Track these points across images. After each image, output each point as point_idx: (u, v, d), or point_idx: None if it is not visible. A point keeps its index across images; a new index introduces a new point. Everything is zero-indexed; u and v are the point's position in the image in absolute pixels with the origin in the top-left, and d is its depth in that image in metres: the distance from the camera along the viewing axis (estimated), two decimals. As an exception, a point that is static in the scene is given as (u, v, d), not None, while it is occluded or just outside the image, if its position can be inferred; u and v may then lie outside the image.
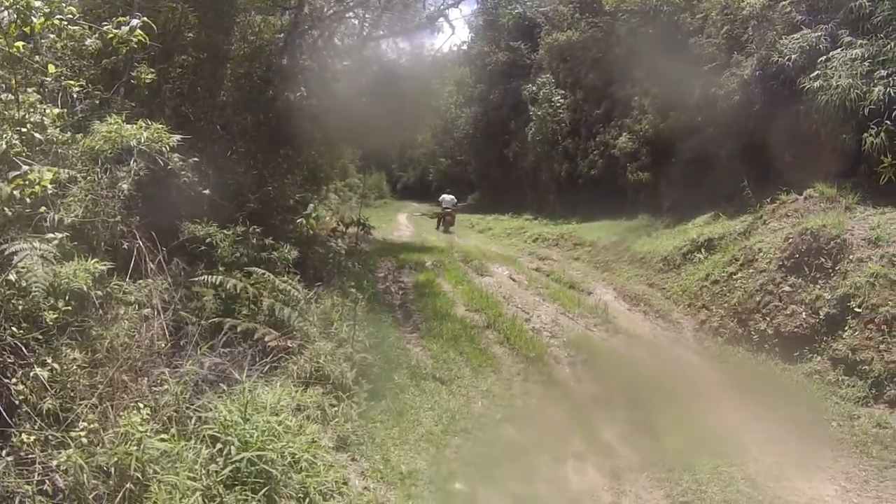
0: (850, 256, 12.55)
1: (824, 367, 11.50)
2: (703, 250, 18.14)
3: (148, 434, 5.83)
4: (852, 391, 10.63)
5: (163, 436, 6.03)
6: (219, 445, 6.26)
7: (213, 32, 13.56)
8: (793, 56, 17.22)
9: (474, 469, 8.33)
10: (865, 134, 14.43)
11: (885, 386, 10.36)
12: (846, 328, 11.69)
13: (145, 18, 8.94)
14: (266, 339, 9.27)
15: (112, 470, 5.61)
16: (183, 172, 9.37)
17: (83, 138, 8.41)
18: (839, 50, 15.93)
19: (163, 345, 7.62)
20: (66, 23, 8.25)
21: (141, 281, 8.26)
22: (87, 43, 9.27)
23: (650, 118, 27.05)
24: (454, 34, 47.81)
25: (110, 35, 8.66)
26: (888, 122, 13.96)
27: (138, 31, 8.64)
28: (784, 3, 18.29)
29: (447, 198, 36.15)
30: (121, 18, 8.80)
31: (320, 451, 7.16)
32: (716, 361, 13.53)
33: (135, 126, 8.43)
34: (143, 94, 10.83)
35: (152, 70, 10.58)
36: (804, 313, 12.70)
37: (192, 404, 6.78)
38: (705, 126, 22.27)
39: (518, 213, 38.49)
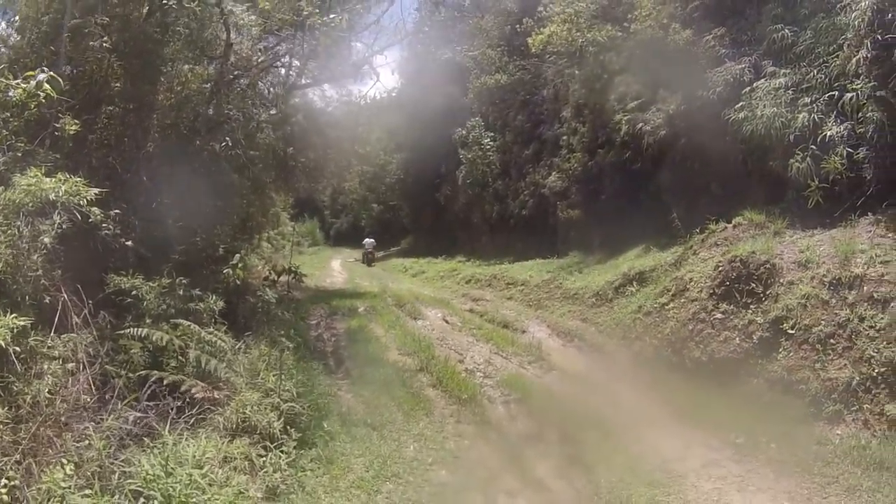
0: (781, 280, 12.74)
1: (761, 390, 11.61)
2: (634, 283, 18.35)
3: (71, 490, 5.77)
4: (790, 411, 10.73)
5: (86, 491, 5.98)
6: (141, 500, 6.19)
7: (139, 83, 13.48)
8: (717, 89, 17.61)
9: (405, 514, 8.28)
10: (792, 160, 14.72)
11: (822, 403, 10.50)
12: (780, 350, 11.82)
13: (52, 73, 8.91)
14: (192, 391, 9.17)
15: (34, 528, 5.54)
16: (104, 225, 9.32)
17: (3, 191, 8.33)
18: (763, 80, 16.29)
19: (88, 399, 7.56)
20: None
21: (65, 335, 8.18)
22: (10, 94, 9.21)
23: (578, 156, 27.46)
24: (378, 81, 48.00)
25: (18, 90, 8.62)
26: (813, 146, 14.28)
27: (46, 86, 8.62)
28: (708, 37, 18.72)
29: (368, 241, 48.72)
30: (29, 73, 8.77)
31: (248, 503, 7.08)
32: (651, 392, 13.62)
33: (53, 179, 8.36)
34: (67, 145, 10.76)
35: (76, 121, 10.51)
36: (738, 338, 12.85)
37: (116, 459, 6.70)
38: (633, 161, 22.65)
39: (451, 255, 38.61)
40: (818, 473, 9.00)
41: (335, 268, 40.21)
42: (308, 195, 46.15)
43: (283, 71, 22.58)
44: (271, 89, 21.81)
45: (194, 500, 6.33)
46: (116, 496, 6.17)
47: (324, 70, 23.77)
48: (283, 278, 18.50)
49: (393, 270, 39.37)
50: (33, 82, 8.64)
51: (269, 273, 18.41)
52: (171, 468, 6.62)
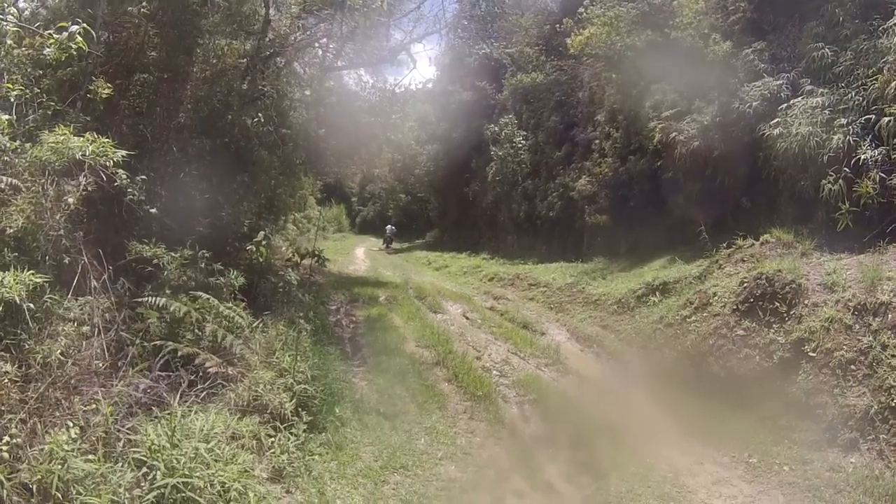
0: (805, 301, 12.52)
1: (777, 411, 11.41)
2: (657, 293, 18.15)
3: (74, 454, 5.67)
4: (805, 435, 10.54)
5: (89, 456, 5.89)
6: (144, 469, 6.10)
7: (175, 53, 13.43)
8: (754, 103, 17.39)
9: (411, 507, 8.17)
10: (824, 181, 14.52)
11: (838, 430, 10.29)
12: (800, 372, 11.60)
13: (85, 26, 8.84)
14: (206, 364, 9.10)
15: (34, 488, 5.45)
16: (130, 190, 9.23)
17: (31, 149, 8.27)
18: (800, 98, 16.08)
19: (100, 364, 7.48)
20: (23, 31, 8.17)
21: (83, 298, 8.12)
22: (45, 52, 9.14)
23: (610, 161, 27.19)
24: (415, 68, 48.15)
25: (50, 41, 8.55)
26: (846, 169, 14.08)
27: (78, 38, 8.53)
28: (747, 51, 18.51)
29: (389, 227, 52.78)
30: (62, 24, 8.70)
31: (252, 482, 6.96)
32: (667, 404, 13.47)
33: (81, 139, 8.28)
34: (98, 108, 10.71)
35: (110, 85, 10.45)
36: (758, 357, 12.65)
37: (123, 426, 6.61)
38: (664, 170, 22.43)
39: (475, 251, 38.47)
40: (829, 500, 8.88)
41: (359, 255, 40.20)
42: (336, 181, 46.28)
43: (319, 51, 22.54)
44: (307, 69, 21.76)
45: (198, 473, 6.22)
46: (119, 463, 6.08)
47: (360, 53, 23.70)
48: (306, 261, 18.49)
49: (416, 263, 39.26)
50: (65, 33, 8.54)
51: (293, 255, 18.41)
52: (178, 440, 6.52)
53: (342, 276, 26.96)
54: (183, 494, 5.99)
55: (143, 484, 5.97)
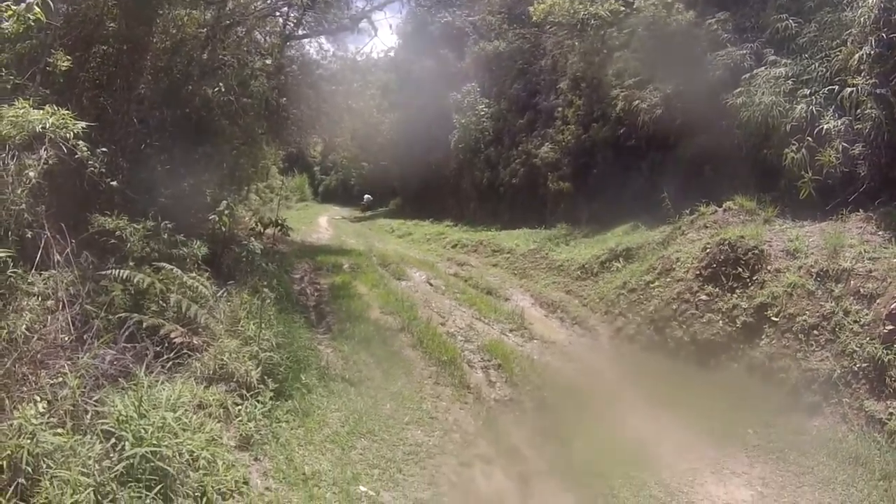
0: (768, 267, 12.80)
1: (741, 375, 11.71)
2: (621, 259, 18.38)
3: (42, 427, 5.71)
4: (769, 399, 10.81)
5: (58, 430, 5.91)
6: (113, 440, 6.15)
7: (134, 23, 13.26)
8: (717, 73, 17.59)
9: (379, 471, 8.26)
10: (787, 150, 14.74)
11: (802, 394, 10.60)
12: (763, 337, 11.94)
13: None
14: (171, 335, 9.14)
15: (4, 464, 5.49)
16: (91, 162, 9.20)
17: (-10, 123, 8.22)
18: (764, 68, 16.28)
19: (66, 338, 7.49)
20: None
21: (46, 273, 8.11)
22: (2, 26, 9.06)
23: (573, 129, 27.29)
24: (377, 37, 47.83)
25: (8, 12, 8.49)
26: (809, 138, 14.30)
27: (36, 9, 8.48)
28: (711, 20, 18.64)
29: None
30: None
31: (220, 450, 7.06)
32: (631, 368, 13.71)
33: (41, 112, 8.24)
34: (58, 81, 10.64)
35: (69, 57, 10.37)
36: (721, 322, 12.95)
37: (90, 399, 6.63)
38: (627, 138, 22.59)
39: (439, 219, 38.46)
40: (794, 462, 9.11)
41: (322, 224, 40.09)
42: (299, 150, 45.85)
43: (280, 20, 22.39)
44: (267, 38, 21.63)
45: (166, 443, 6.28)
46: (88, 435, 6.11)
47: (321, 22, 23.63)
48: (269, 231, 18.45)
49: (379, 231, 39.29)
50: (23, 5, 8.48)
51: (256, 224, 18.31)
52: (145, 410, 6.57)
53: (306, 245, 26.94)
54: (152, 464, 6.05)
55: (112, 455, 6.01)
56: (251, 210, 24.72)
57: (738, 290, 13.11)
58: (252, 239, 15.92)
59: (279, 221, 17.48)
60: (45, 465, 5.58)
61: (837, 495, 8.26)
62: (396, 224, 41.40)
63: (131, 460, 5.98)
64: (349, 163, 60.85)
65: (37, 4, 8.56)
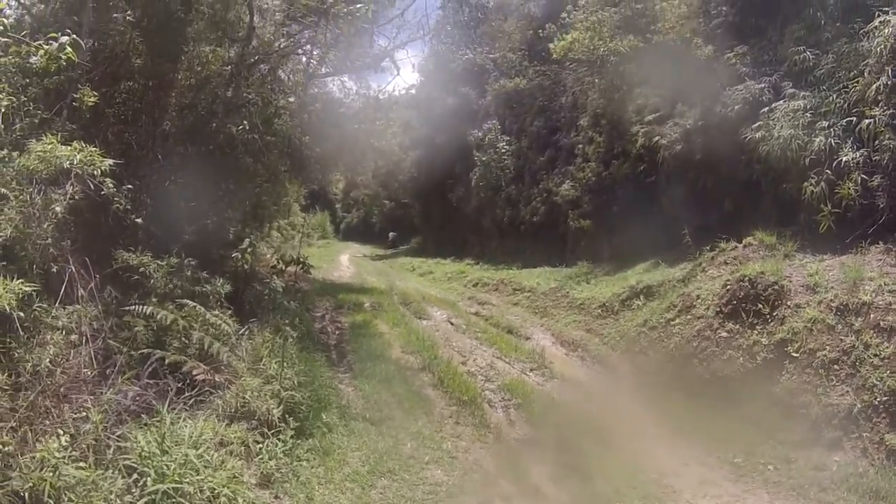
0: (788, 302, 12.67)
1: (761, 411, 11.50)
2: (641, 297, 18.34)
3: (65, 461, 5.72)
4: (789, 434, 10.66)
5: (80, 464, 5.92)
6: (135, 476, 6.15)
7: (160, 60, 13.44)
8: (736, 107, 17.56)
9: (399, 511, 8.23)
10: (806, 183, 14.67)
11: (822, 429, 10.43)
12: (783, 372, 11.75)
13: (75, 36, 8.90)
14: (194, 372, 9.15)
15: (26, 495, 5.49)
16: (116, 199, 9.27)
17: (18, 157, 8.30)
18: (782, 101, 16.24)
19: (89, 373, 7.51)
20: (10, 39, 8.20)
21: (70, 307, 8.16)
22: (31, 61, 9.17)
23: (593, 166, 27.40)
24: (399, 75, 48.16)
25: (40, 51, 8.60)
26: (828, 171, 14.25)
27: (68, 49, 8.57)
28: (729, 55, 18.67)
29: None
30: (52, 34, 8.74)
31: (241, 487, 7.02)
32: (651, 406, 13.58)
33: (69, 148, 8.33)
34: (84, 117, 10.75)
35: (95, 94, 10.47)
36: (741, 358, 12.78)
37: (113, 434, 6.65)
38: (647, 175, 22.63)
39: (459, 257, 38.55)
40: (814, 499, 9.04)
41: (343, 262, 40.24)
42: (321, 187, 46.22)
43: (303, 58, 22.58)
44: (291, 76, 21.81)
45: (188, 479, 6.28)
46: (110, 470, 6.13)
47: (344, 60, 23.75)
48: (291, 268, 18.48)
49: (400, 269, 39.42)
50: (55, 44, 8.58)
51: (277, 262, 18.37)
52: (167, 447, 6.58)
53: (327, 283, 27.02)
54: (174, 500, 6.06)
55: (133, 490, 6.03)
56: (273, 247, 24.78)
57: (758, 327, 12.97)
58: (274, 276, 15.95)
59: (301, 259, 17.55)
60: (66, 499, 5.59)
61: (857, 529, 8.20)
62: (417, 262, 41.50)
63: (153, 496, 5.99)
64: (371, 200, 61.39)
65: (69, 45, 8.67)
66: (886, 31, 13.15)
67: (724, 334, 13.54)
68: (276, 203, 24.20)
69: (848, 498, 8.87)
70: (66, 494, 5.59)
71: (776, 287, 13.08)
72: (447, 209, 43.90)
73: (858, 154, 13.96)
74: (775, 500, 9.13)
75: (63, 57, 8.64)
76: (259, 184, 19.01)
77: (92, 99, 10.35)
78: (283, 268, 17.74)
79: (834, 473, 9.51)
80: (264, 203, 21.10)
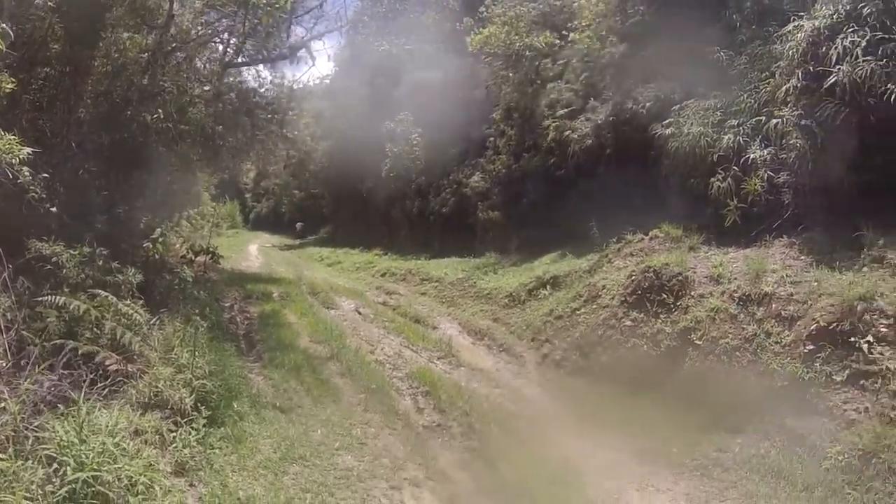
0: (692, 292, 13.28)
1: (665, 397, 11.98)
2: (548, 287, 18.82)
3: (-15, 452, 5.82)
4: (693, 419, 11.08)
5: (0, 455, 6.01)
6: (55, 466, 6.27)
7: (78, 46, 13.34)
8: (647, 104, 18.18)
9: (311, 496, 8.40)
10: (713, 179, 15.33)
11: (725, 413, 10.93)
12: (687, 359, 12.38)
13: (3, 26, 8.86)
14: (107, 362, 9.19)
15: (-54, 488, 5.58)
16: (32, 188, 9.28)
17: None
18: (693, 100, 16.86)
19: (3, 364, 7.54)
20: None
21: (-18, 297, 8.16)
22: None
23: (504, 159, 27.87)
24: (314, 66, 47.96)
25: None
26: (735, 168, 14.90)
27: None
28: (643, 53, 19.20)
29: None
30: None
31: (158, 476, 7.15)
32: (557, 393, 14.02)
33: (-14, 136, 8.33)
34: (2, 104, 10.66)
35: (14, 80, 10.42)
36: (646, 346, 13.39)
37: (31, 424, 6.73)
38: (557, 168, 23.10)
39: (368, 248, 38.51)
40: (717, 478, 9.56)
41: (252, 252, 39.83)
42: (231, 176, 45.66)
43: (220, 47, 22.45)
44: (207, 65, 21.68)
45: (106, 468, 6.40)
46: (30, 460, 6.21)
47: (261, 50, 23.70)
48: (200, 258, 18.49)
49: (309, 259, 39.31)
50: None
51: (187, 252, 18.39)
52: (85, 436, 6.69)
53: (236, 273, 26.80)
54: (94, 489, 6.16)
55: (54, 480, 6.12)
56: (182, 237, 24.59)
57: (662, 316, 13.55)
58: (184, 266, 15.96)
59: (210, 249, 17.61)
60: (-12, 490, 5.68)
61: (760, 506, 8.67)
62: (326, 252, 41.44)
63: (74, 485, 6.09)
64: (281, 190, 60.80)
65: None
66: (799, 35, 13.69)
67: (629, 323, 14.07)
68: (186, 192, 24.06)
69: (750, 477, 9.39)
70: (-14, 486, 5.70)
71: (680, 278, 13.66)
72: (358, 200, 43.77)
73: (766, 152, 14.66)
74: (679, 480, 9.65)
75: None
76: (171, 172, 18.93)
77: (10, 85, 10.30)
78: (193, 258, 17.79)
79: (736, 455, 10.02)
80: (175, 192, 20.99)
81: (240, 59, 23.78)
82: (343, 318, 19.30)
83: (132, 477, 6.66)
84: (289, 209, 63.29)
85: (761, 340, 11.47)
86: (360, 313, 20.35)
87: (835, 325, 10.50)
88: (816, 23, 13.29)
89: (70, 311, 9.56)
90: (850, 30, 12.58)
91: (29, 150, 8.80)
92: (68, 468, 6.22)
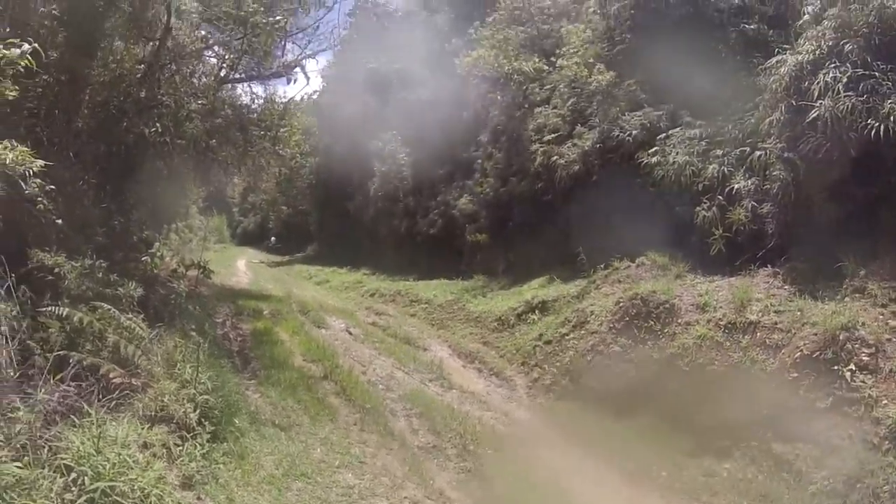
0: (679, 320, 13.48)
1: (653, 422, 12.20)
2: (537, 311, 18.94)
3: (3, 460, 5.81)
4: (681, 443, 11.30)
5: (17, 463, 6.00)
6: (73, 475, 6.26)
7: (77, 55, 13.35)
8: (634, 132, 18.36)
9: (315, 512, 8.47)
10: (699, 208, 15.52)
11: (712, 438, 11.11)
12: (674, 385, 12.53)
13: (36, 45, 8.86)
14: (111, 375, 9.18)
15: (-34, 497, 5.56)
16: (39, 199, 9.27)
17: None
18: (679, 129, 17.06)
19: (11, 373, 7.52)
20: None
21: (-14, 306, 8.13)
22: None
23: (491, 182, 28.01)
24: (308, 84, 48.02)
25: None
26: (720, 197, 15.10)
27: (28, 58, 8.57)
28: (630, 81, 19.41)
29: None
30: (11, 41, 8.68)
31: (168, 488, 7.16)
32: (547, 417, 14.13)
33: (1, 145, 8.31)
34: (4, 111, 10.64)
35: (16, 87, 10.39)
36: (633, 371, 13.59)
37: (44, 434, 6.73)
38: (544, 192, 23.23)
39: (356, 267, 38.64)
40: (705, 502, 9.86)
41: (241, 268, 39.77)
42: (218, 190, 45.59)
43: (214, 62, 22.48)
44: (203, 79, 21.68)
45: (122, 479, 6.42)
46: (47, 469, 6.21)
47: (257, 67, 23.69)
48: (192, 273, 18.44)
49: (297, 276, 39.41)
50: (17, 51, 8.55)
51: (178, 266, 18.33)
52: (101, 447, 6.70)
53: (226, 289, 26.78)
54: (111, 499, 6.19)
55: (72, 489, 6.13)
56: (171, 250, 24.51)
57: (649, 342, 13.77)
58: (177, 280, 15.93)
59: (201, 264, 17.56)
60: (8, 497, 5.65)
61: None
62: (314, 270, 41.64)
63: (92, 494, 6.10)
64: (268, 206, 60.69)
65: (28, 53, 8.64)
66: (783, 69, 13.90)
67: (617, 349, 14.25)
68: (176, 205, 24.02)
69: (738, 501, 9.61)
70: (6, 493, 5.67)
71: (667, 305, 13.83)
72: (344, 217, 43.95)
73: (750, 182, 14.87)
74: (669, 502, 9.76)
75: (22, 63, 8.61)
76: (163, 185, 18.92)
77: (13, 93, 10.28)
78: (185, 272, 17.72)
79: (724, 479, 10.24)
80: (166, 205, 20.96)
81: (235, 75, 23.78)
82: (334, 337, 19.34)
83: (144, 489, 6.66)
84: (276, 225, 63.28)
85: (747, 368, 11.69)
86: (350, 333, 20.41)
87: (818, 353, 10.72)
88: (800, 58, 13.55)
89: (72, 323, 9.52)
90: (832, 65, 12.84)
91: (42, 162, 8.76)
92: (86, 478, 6.23)
